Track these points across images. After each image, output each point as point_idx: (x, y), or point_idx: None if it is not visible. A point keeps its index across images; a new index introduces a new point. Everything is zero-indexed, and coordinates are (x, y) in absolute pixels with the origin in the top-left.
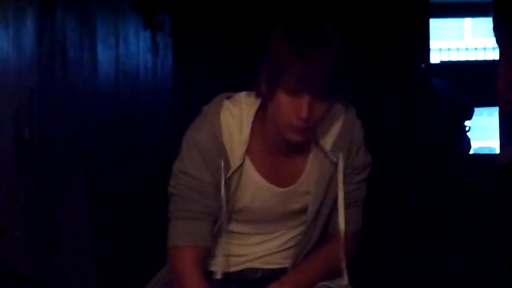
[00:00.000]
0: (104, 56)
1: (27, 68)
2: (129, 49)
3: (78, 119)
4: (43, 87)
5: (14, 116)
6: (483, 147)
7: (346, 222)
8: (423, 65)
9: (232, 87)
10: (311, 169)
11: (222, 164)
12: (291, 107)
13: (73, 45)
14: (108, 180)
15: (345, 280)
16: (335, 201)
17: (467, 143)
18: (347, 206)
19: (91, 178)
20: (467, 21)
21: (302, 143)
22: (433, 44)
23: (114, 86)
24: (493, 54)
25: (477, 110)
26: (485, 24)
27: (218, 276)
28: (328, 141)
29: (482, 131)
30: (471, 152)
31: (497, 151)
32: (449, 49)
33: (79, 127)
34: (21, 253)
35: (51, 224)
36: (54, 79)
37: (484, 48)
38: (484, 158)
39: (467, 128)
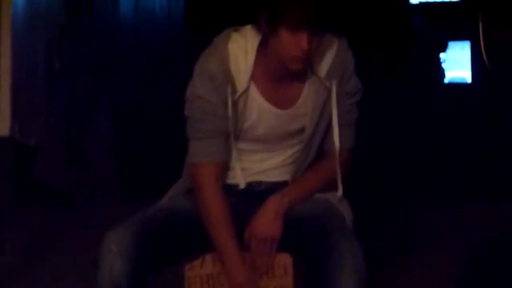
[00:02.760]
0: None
1: (57, 8)
2: None
3: (101, 52)
4: (71, 25)
5: (46, 50)
6: (456, 77)
7: (340, 140)
8: (404, 4)
9: (237, 23)
10: (308, 93)
11: (230, 89)
12: (293, 41)
13: None
14: (128, 105)
15: (339, 192)
16: (330, 121)
17: (442, 73)
18: (340, 126)
19: (113, 103)
20: None
21: (302, 71)
22: None
23: (133, 22)
24: None
25: (450, 44)
26: None
27: (242, 186)
28: (323, 69)
29: (455, 62)
30: (445, 80)
31: (468, 80)
32: None
33: (103, 59)
34: (54, 170)
35: (79, 144)
36: (80, 17)
37: None
38: (457, 85)
39: (442, 60)
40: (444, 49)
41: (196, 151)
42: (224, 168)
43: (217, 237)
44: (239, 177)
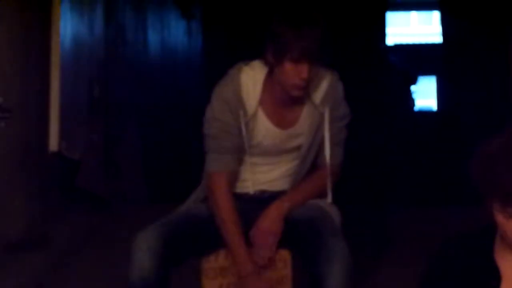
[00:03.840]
0: (152, 37)
1: (97, 46)
2: (170, 33)
3: (134, 83)
4: (109, 59)
5: (88, 80)
6: (424, 105)
7: (331, 156)
8: (381, 45)
9: (247, 58)
10: (305, 116)
11: (241, 112)
12: (295, 71)
13: (130, 29)
14: (156, 126)
15: (329, 199)
16: (323, 140)
17: (413, 102)
18: (331, 144)
19: (143, 125)
20: (414, 14)
21: (301, 97)
22: (389, 30)
23: (159, 59)
24: (432, 38)
25: (420, 78)
26: (427, 16)
27: (251, 192)
28: (317, 97)
29: (424, 93)
30: (416, 108)
31: (434, 108)
32: (400, 34)
33: (135, 88)
34: (94, 179)
35: (114, 158)
36: (117, 53)
37: (426, 34)
38: (425, 112)
39: (413, 91)
40: (415, 82)
41: (212, 162)
42: (237, 178)
43: (227, 233)
44: (250, 187)
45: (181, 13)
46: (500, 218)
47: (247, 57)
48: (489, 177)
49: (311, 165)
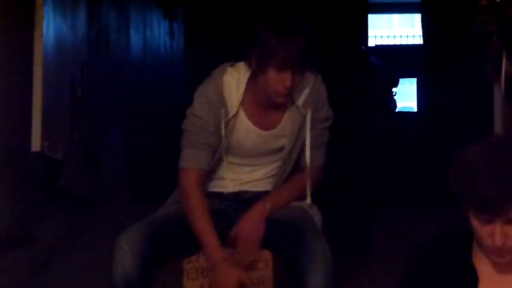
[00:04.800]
0: (135, 38)
1: (80, 46)
2: (153, 33)
3: (116, 83)
4: (92, 60)
5: (71, 80)
6: (405, 106)
7: (312, 159)
8: (363, 48)
9: (228, 60)
10: (287, 118)
11: (223, 111)
12: (278, 79)
13: (113, 30)
14: (138, 126)
15: (308, 200)
16: (304, 143)
17: (394, 103)
18: (313, 147)
19: (125, 125)
20: (395, 16)
21: (284, 103)
22: (371, 32)
23: (142, 59)
24: (413, 40)
25: (401, 80)
26: (409, 18)
27: (232, 191)
28: (300, 99)
29: (405, 95)
30: (397, 109)
31: (415, 110)
32: (382, 36)
33: (117, 88)
34: (76, 179)
35: (96, 158)
36: (99, 54)
37: (407, 36)
38: (406, 113)
39: (394, 93)
40: (396, 84)
41: (186, 157)
42: (215, 177)
43: (197, 229)
44: (229, 186)
45: (164, 14)
46: (475, 223)
47: (230, 59)
48: (465, 183)
49: (293, 167)
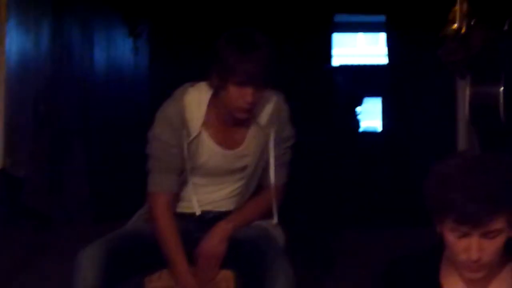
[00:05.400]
0: (99, 55)
1: (43, 62)
2: (117, 51)
3: (79, 100)
4: (55, 76)
5: (33, 96)
6: (369, 126)
7: (276, 177)
8: (327, 66)
9: (192, 78)
10: (250, 137)
11: (185, 133)
12: (240, 95)
13: (77, 46)
14: (101, 143)
15: (275, 220)
16: (268, 162)
17: (358, 123)
18: (276, 165)
19: (89, 141)
20: (360, 35)
21: (247, 119)
22: (335, 51)
23: (105, 77)
24: (378, 59)
25: (366, 99)
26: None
27: (196, 212)
28: (263, 118)
29: (369, 114)
30: (361, 129)
31: (379, 129)
32: (346, 55)
33: (80, 105)
34: (38, 197)
35: (59, 175)
36: (63, 70)
37: (372, 55)
38: (370, 133)
39: (358, 112)
40: (360, 103)
41: (153, 182)
42: (179, 198)
43: (169, 251)
44: (195, 207)
45: (128, 31)
46: (450, 237)
47: (194, 78)
48: (443, 196)
49: (256, 186)
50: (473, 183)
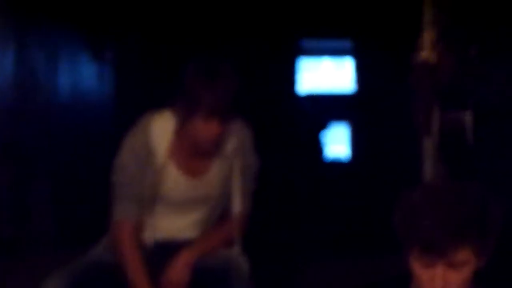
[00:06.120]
0: (63, 81)
1: (7, 88)
2: (82, 76)
3: (44, 129)
4: (19, 103)
5: None
6: (336, 152)
7: (240, 206)
8: (293, 91)
9: (159, 104)
10: (215, 166)
11: (150, 161)
12: (206, 126)
13: (41, 71)
14: (66, 170)
15: (238, 248)
16: (232, 190)
17: (323, 147)
18: (240, 194)
19: (54, 172)
20: (326, 60)
21: (212, 150)
22: (302, 76)
23: (71, 103)
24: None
25: (332, 124)
26: (340, 63)
27: (159, 240)
28: (228, 147)
29: (335, 140)
30: (327, 155)
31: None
32: (313, 80)
33: (45, 135)
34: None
35: (25, 205)
36: (26, 96)
37: (338, 81)
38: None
39: (324, 138)
40: (326, 128)
41: (117, 210)
42: (145, 226)
43: (133, 279)
44: (159, 234)
45: (94, 57)
46: (416, 267)
47: (161, 104)
48: (410, 224)
49: (220, 215)
50: (439, 213)
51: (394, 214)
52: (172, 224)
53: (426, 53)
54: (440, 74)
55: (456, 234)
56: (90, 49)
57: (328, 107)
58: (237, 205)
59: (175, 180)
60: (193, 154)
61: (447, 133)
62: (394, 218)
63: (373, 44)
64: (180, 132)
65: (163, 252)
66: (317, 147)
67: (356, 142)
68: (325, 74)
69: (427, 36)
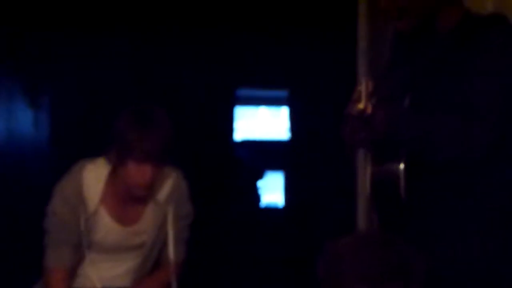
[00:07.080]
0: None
1: None
2: (18, 122)
3: None
4: None
5: None
6: (270, 201)
7: (174, 254)
8: (229, 140)
9: (94, 152)
10: (148, 214)
11: (82, 209)
12: (138, 172)
13: None
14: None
15: None
16: (166, 238)
17: (259, 197)
18: (174, 242)
19: None
20: (262, 109)
21: (145, 197)
22: (237, 124)
23: (6, 149)
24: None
25: (267, 173)
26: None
27: (93, 286)
28: (162, 194)
29: (270, 188)
30: (261, 203)
31: (280, 203)
32: (248, 129)
33: None
34: None
35: None
36: None
37: (274, 129)
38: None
39: (259, 186)
40: (261, 177)
41: (49, 257)
42: (77, 274)
43: None
44: (92, 283)
45: (29, 104)
46: None
47: (96, 151)
48: (334, 275)
49: (154, 262)
50: (363, 263)
51: (318, 263)
52: (106, 273)
53: (362, 105)
54: (375, 126)
55: (377, 286)
56: (25, 95)
57: (264, 155)
58: (172, 253)
59: (107, 228)
60: (126, 201)
61: (379, 184)
62: (318, 267)
63: (308, 94)
64: (113, 179)
65: None
66: (253, 196)
67: (291, 190)
68: (261, 122)
69: (364, 88)
